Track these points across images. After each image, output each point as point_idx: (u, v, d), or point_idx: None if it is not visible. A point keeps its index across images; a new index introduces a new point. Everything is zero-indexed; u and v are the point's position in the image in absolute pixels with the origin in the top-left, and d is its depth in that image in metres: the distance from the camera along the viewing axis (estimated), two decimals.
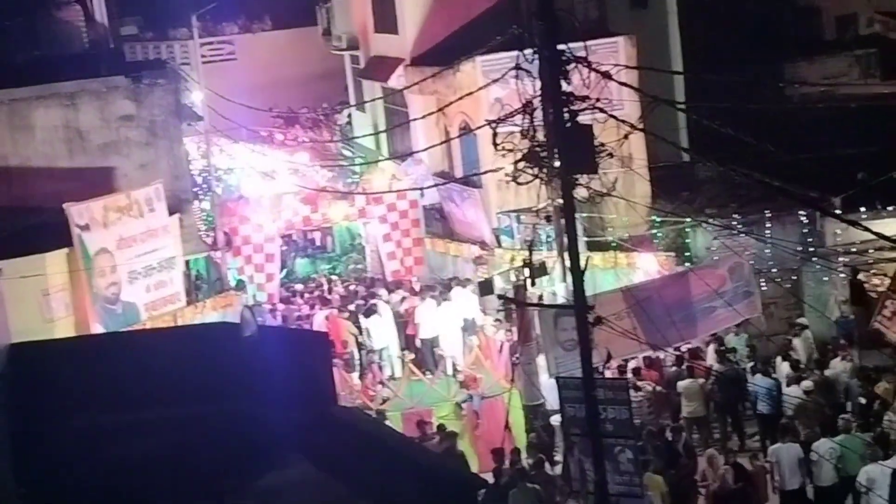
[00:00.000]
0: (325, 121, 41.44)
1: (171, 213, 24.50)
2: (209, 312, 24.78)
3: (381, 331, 24.66)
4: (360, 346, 24.41)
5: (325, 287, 29.85)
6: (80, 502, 12.06)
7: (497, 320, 24.27)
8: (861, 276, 22.92)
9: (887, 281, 21.00)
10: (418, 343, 24.66)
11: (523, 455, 19.05)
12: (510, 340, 22.38)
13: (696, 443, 21.10)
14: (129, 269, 23.16)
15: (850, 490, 17.80)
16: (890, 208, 22.65)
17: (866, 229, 12.52)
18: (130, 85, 24.99)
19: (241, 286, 26.53)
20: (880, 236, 13.75)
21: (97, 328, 22.16)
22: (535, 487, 17.32)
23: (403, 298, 26.54)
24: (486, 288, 23.52)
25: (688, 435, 21.03)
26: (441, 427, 20.07)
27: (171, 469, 13.15)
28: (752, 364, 21.90)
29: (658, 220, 24.90)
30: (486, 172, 24.52)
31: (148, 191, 23.92)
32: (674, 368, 21.69)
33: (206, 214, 28.18)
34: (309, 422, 13.93)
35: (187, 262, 25.93)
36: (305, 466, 13.20)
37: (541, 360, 20.63)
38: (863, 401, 19.77)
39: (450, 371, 23.39)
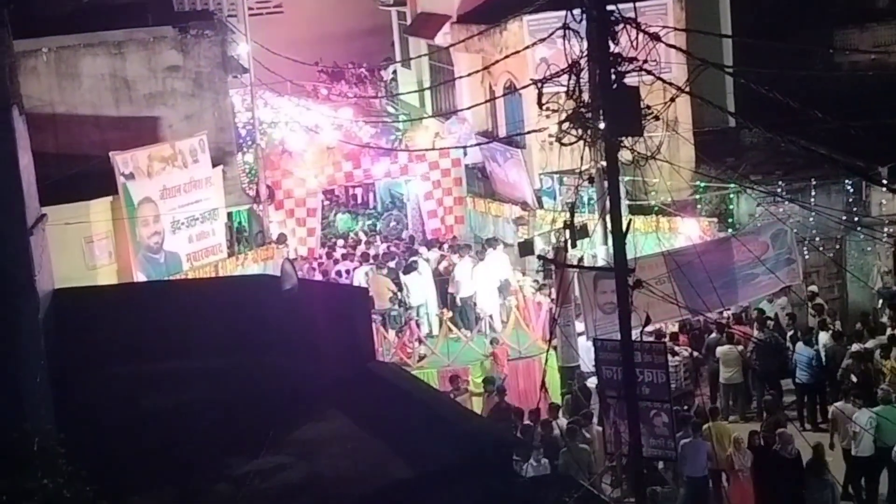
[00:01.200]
0: (370, 77, 41.37)
1: (215, 164, 24.61)
2: (250, 265, 24.92)
3: (420, 288, 24.69)
4: (399, 302, 24.46)
5: (363, 242, 29.90)
6: (118, 447, 12.18)
7: (536, 281, 24.22)
8: None
9: None
10: (458, 302, 24.66)
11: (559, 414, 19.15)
12: (550, 302, 22.35)
13: (732, 410, 21.08)
14: (172, 219, 23.32)
15: (885, 461, 17.72)
16: None
17: None
18: (178, 35, 25.03)
19: (282, 239, 26.61)
20: None
21: (139, 276, 22.35)
22: (585, 448, 17.43)
23: (442, 256, 26.55)
24: (526, 249, 23.43)
25: (724, 402, 21.03)
26: (490, 380, 20.12)
27: (209, 419, 13.27)
28: (791, 333, 21.82)
29: (702, 185, 24.77)
30: (529, 133, 24.38)
31: (192, 142, 24.01)
32: (713, 335, 21.60)
33: (250, 167, 28.21)
34: (346, 376, 14.00)
35: (229, 214, 26.06)
36: (342, 420, 13.29)
37: (579, 323, 20.62)
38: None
39: (486, 330, 23.36)
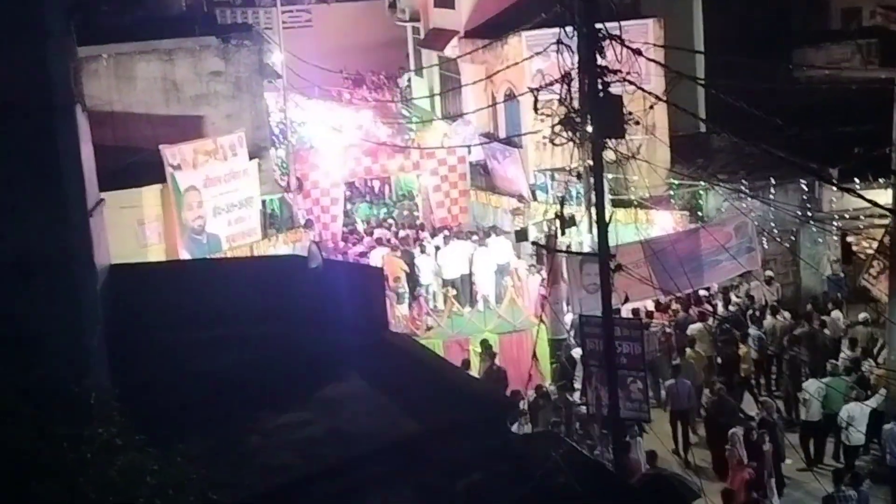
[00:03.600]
0: (387, 83, 41.26)
1: (251, 158, 24.58)
2: (281, 246, 24.90)
3: (428, 269, 24.75)
4: (409, 281, 24.49)
5: (378, 227, 29.91)
6: (165, 403, 12.19)
7: (530, 265, 24.19)
8: (851, 239, 22.71)
9: (875, 244, 20.78)
10: (443, 282, 24.69)
11: (547, 381, 19.16)
12: (541, 282, 22.32)
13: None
14: (214, 205, 23.32)
15: (832, 425, 17.75)
16: (881, 180, 22.29)
17: (860, 197, 12.39)
18: (220, 45, 25.00)
19: (308, 224, 26.59)
20: (872, 203, 13.59)
21: (184, 255, 22.35)
22: (560, 408, 17.47)
23: (446, 242, 26.52)
24: (521, 236, 23.48)
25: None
26: (488, 346, 20.11)
27: (245, 380, 13.26)
28: (750, 312, 21.78)
29: (675, 182, 24.71)
30: (526, 134, 24.40)
31: (232, 138, 24.00)
32: (681, 314, 21.57)
33: (282, 161, 28.19)
34: (363, 344, 13.99)
35: (263, 202, 26.02)
36: (359, 382, 13.26)
37: (566, 300, 20.59)
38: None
39: (482, 307, 23.33)
